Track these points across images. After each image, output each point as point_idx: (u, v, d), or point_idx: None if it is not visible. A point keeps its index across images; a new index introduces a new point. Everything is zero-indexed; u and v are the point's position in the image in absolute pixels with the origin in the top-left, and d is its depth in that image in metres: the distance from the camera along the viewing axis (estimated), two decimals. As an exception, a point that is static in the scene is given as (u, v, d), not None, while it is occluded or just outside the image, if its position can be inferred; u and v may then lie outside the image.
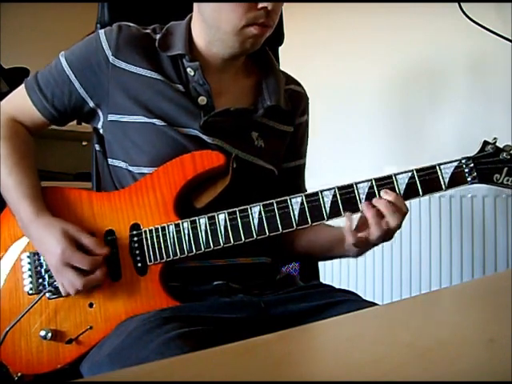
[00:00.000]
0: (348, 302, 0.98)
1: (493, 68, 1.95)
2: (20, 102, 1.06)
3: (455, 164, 0.93)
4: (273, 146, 1.09)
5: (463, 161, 0.93)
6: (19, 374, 0.98)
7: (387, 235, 0.94)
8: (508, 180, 0.92)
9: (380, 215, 0.91)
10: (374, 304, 0.98)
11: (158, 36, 1.04)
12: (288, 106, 1.11)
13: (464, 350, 0.44)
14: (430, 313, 0.60)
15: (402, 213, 0.92)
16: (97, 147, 1.13)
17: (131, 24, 1.06)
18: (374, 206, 0.92)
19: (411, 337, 0.49)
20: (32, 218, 0.97)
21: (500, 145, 0.94)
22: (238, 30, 0.97)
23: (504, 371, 0.37)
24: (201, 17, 1.02)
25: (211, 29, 1.00)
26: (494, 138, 0.93)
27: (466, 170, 0.92)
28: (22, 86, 1.07)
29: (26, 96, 1.05)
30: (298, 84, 1.19)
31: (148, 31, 1.06)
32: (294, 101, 1.15)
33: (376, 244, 0.96)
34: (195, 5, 1.04)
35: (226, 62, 1.06)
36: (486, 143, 0.94)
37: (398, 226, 0.93)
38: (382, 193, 0.92)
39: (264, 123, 1.08)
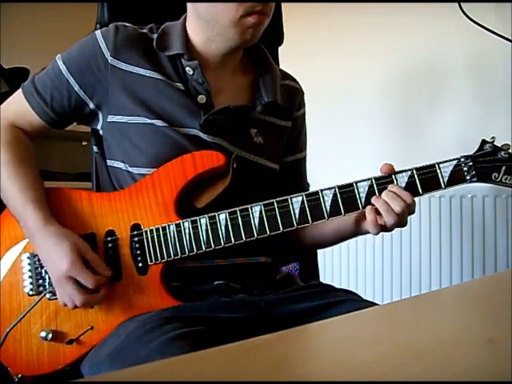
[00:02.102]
0: (348, 301, 0.99)
1: (493, 68, 1.95)
2: (18, 107, 1.05)
3: (454, 163, 0.93)
4: (272, 141, 1.09)
5: (462, 159, 0.94)
6: (19, 376, 0.98)
7: (400, 220, 0.94)
8: (506, 178, 0.93)
9: (386, 204, 0.92)
10: (374, 304, 0.98)
11: (154, 36, 1.04)
12: (285, 102, 1.12)
13: (464, 350, 0.44)
14: (429, 313, 0.60)
15: (404, 200, 0.92)
16: (95, 149, 1.13)
17: (127, 24, 1.05)
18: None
19: (411, 337, 0.49)
20: (40, 225, 0.96)
21: (498, 144, 0.94)
22: (236, 20, 0.96)
23: (504, 371, 0.38)
24: (196, 15, 1.02)
25: (209, 24, 1.00)
26: (492, 137, 0.94)
27: (465, 169, 0.93)
28: (19, 90, 1.06)
29: (24, 100, 1.04)
30: (293, 79, 1.20)
31: (145, 31, 1.06)
32: (291, 96, 1.15)
33: (392, 229, 0.96)
34: (189, 4, 1.04)
35: (225, 59, 1.06)
36: (484, 142, 0.95)
37: (409, 212, 0.93)
38: (388, 187, 0.93)
39: (262, 119, 1.08)
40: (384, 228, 0.95)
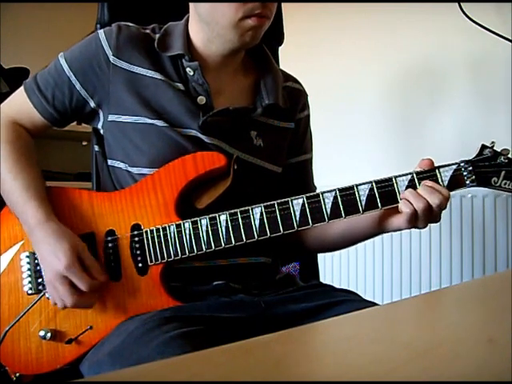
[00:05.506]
0: (348, 301, 0.99)
1: (493, 68, 1.95)
2: (20, 105, 1.06)
3: (454, 167, 0.94)
4: (273, 143, 1.09)
5: (462, 164, 0.94)
6: (17, 374, 0.98)
7: (433, 215, 0.92)
8: (506, 183, 0.93)
9: (422, 198, 0.91)
10: (374, 304, 0.98)
11: (157, 36, 1.05)
12: (286, 104, 1.11)
13: (464, 350, 0.44)
14: (429, 313, 0.60)
15: (441, 194, 0.91)
16: (96, 148, 1.13)
17: (130, 24, 1.06)
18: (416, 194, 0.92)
19: (411, 337, 0.49)
20: (40, 221, 0.95)
21: (498, 147, 0.94)
22: (236, 22, 0.97)
23: (504, 371, 0.38)
24: (197, 16, 1.02)
25: (209, 25, 1.00)
26: (492, 142, 0.94)
27: (465, 174, 0.93)
28: (21, 88, 1.06)
29: (26, 98, 1.05)
30: (296, 81, 1.19)
31: (147, 31, 1.06)
32: (293, 98, 1.14)
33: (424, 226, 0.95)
34: (191, 5, 1.04)
35: (225, 60, 1.06)
36: (484, 147, 0.95)
37: (442, 207, 0.92)
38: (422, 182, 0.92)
39: (263, 122, 1.08)
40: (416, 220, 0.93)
